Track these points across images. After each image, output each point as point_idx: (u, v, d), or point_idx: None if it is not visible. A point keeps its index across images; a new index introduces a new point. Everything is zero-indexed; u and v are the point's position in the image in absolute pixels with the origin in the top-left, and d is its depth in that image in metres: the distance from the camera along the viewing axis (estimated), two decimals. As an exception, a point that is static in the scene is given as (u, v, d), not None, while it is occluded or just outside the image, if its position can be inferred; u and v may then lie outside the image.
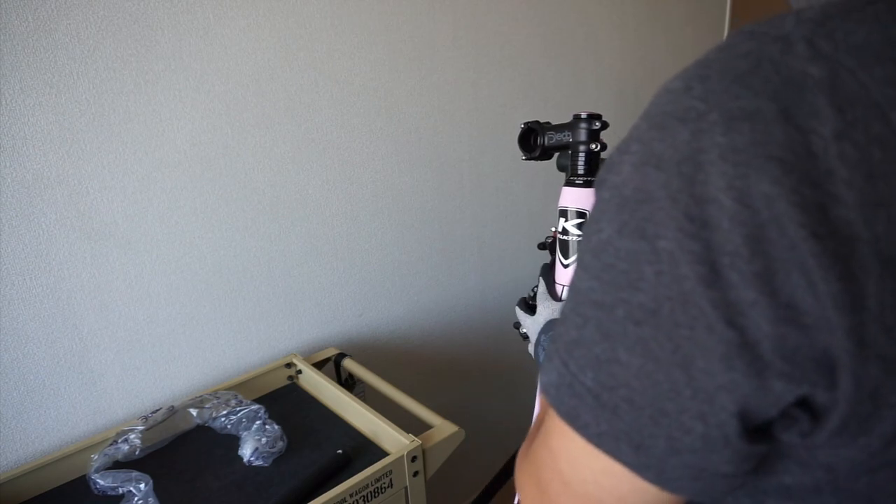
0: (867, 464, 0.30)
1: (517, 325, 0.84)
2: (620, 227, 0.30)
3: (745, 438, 0.29)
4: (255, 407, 1.02)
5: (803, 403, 0.29)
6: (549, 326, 0.69)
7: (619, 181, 0.30)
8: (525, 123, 0.77)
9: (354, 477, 0.86)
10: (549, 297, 0.73)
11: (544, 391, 0.34)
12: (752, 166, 0.26)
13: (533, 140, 0.78)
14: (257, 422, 0.99)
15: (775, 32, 0.28)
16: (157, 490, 0.86)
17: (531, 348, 0.73)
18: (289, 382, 1.20)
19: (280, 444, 0.97)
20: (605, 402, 0.30)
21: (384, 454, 0.95)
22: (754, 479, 0.33)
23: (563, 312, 0.34)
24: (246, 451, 0.95)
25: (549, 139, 0.73)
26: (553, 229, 0.76)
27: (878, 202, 0.26)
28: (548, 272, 0.75)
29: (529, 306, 0.76)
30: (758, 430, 0.30)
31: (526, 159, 0.77)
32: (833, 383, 0.27)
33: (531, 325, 0.73)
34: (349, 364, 1.21)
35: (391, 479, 0.90)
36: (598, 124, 0.70)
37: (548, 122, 0.75)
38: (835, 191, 0.26)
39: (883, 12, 0.27)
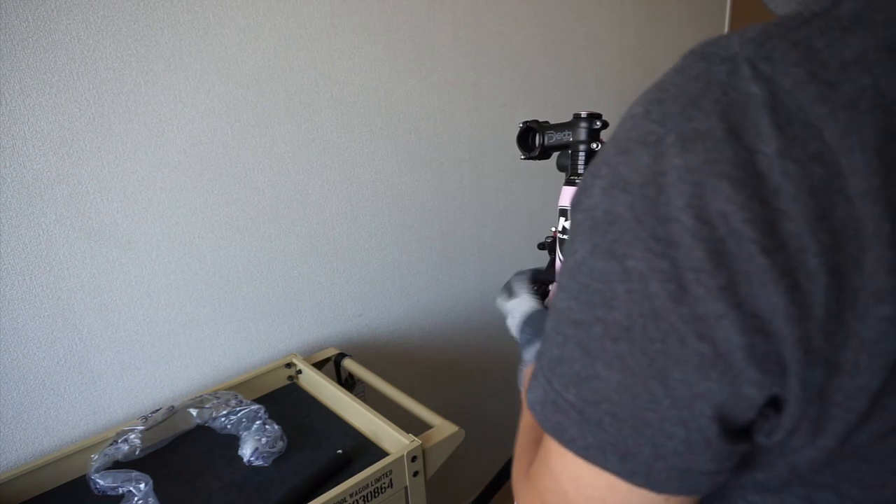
0: (827, 461, 0.31)
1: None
2: (592, 249, 0.31)
3: (725, 439, 0.30)
4: (255, 407, 1.02)
5: (773, 402, 0.30)
6: (531, 319, 0.71)
7: (591, 204, 0.32)
8: (524, 122, 0.77)
9: (354, 477, 0.86)
10: (529, 291, 0.75)
11: (531, 409, 0.35)
12: (707, 185, 0.28)
13: (531, 139, 0.78)
14: (257, 422, 0.99)
15: (723, 53, 0.30)
16: (157, 490, 0.86)
17: (513, 329, 0.75)
18: (289, 382, 1.20)
19: (280, 444, 0.97)
20: (588, 417, 0.32)
21: (384, 454, 0.95)
22: (734, 475, 0.34)
23: (545, 331, 0.35)
24: (246, 451, 0.95)
25: (549, 138, 0.73)
26: (553, 229, 0.76)
27: (822, 215, 0.27)
28: (539, 273, 0.75)
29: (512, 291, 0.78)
30: (738, 431, 0.31)
31: (525, 159, 0.77)
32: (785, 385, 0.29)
33: (513, 309, 0.73)
34: (349, 364, 1.21)
35: (391, 479, 0.90)
36: (598, 124, 0.70)
37: (546, 122, 0.75)
38: (782, 206, 0.27)
39: (815, 34, 0.29)
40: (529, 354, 0.68)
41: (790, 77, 0.28)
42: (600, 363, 0.31)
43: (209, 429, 1.03)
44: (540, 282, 0.81)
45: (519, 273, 0.78)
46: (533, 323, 0.71)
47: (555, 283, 0.74)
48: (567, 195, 0.72)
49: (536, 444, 0.52)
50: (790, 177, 0.27)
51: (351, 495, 0.85)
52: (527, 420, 0.57)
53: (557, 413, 0.33)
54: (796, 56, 0.28)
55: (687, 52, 0.33)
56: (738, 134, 0.27)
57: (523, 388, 0.66)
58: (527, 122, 0.76)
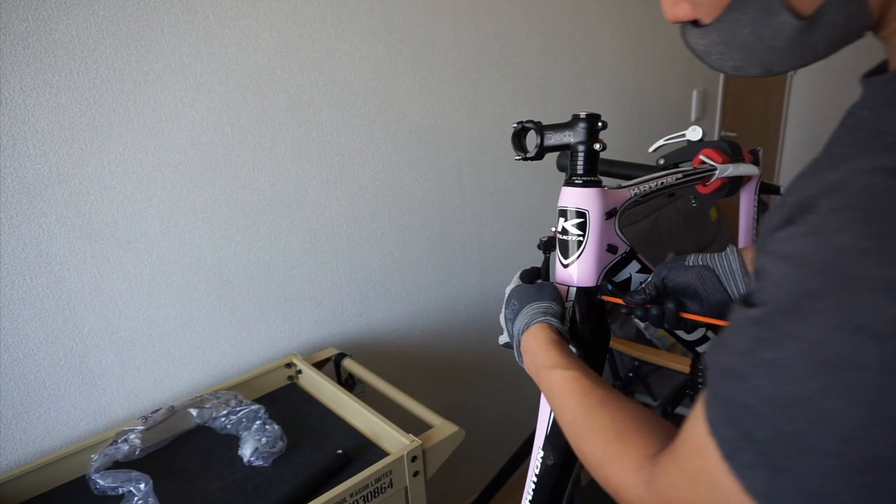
0: None
1: (508, 346, 0.85)
2: (827, 389, 0.30)
3: None
4: (255, 407, 1.02)
5: None
6: (515, 293, 0.73)
7: (814, 338, 0.30)
8: (518, 123, 0.76)
9: (354, 477, 0.86)
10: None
11: (751, 494, 0.33)
12: None
13: (523, 139, 0.78)
14: (257, 422, 0.99)
15: None
16: (157, 490, 0.86)
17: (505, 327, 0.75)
18: (289, 382, 1.20)
19: (280, 444, 0.97)
20: None
21: (384, 454, 0.95)
22: None
23: (754, 434, 0.33)
24: (246, 451, 0.95)
25: (547, 139, 0.73)
26: (553, 229, 0.76)
27: None
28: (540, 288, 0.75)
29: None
30: None
31: (519, 159, 0.77)
32: None
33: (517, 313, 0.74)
34: (349, 364, 1.21)
35: (391, 479, 0.90)
36: (597, 124, 0.70)
37: (539, 122, 0.75)
38: None
39: None
40: (518, 326, 0.69)
41: None
42: (848, 490, 0.30)
43: (209, 429, 1.03)
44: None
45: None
46: (517, 295, 0.72)
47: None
48: (567, 195, 0.72)
49: (603, 405, 0.52)
50: None
51: (351, 495, 0.85)
52: (572, 388, 0.56)
53: None
54: None
55: (866, 167, 0.31)
56: None
57: (527, 364, 0.66)
58: (522, 122, 0.76)
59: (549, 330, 0.65)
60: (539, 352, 0.63)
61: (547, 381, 0.61)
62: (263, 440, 0.96)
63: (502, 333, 0.78)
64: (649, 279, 0.74)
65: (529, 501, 0.77)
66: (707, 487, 0.36)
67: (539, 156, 0.75)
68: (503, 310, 0.75)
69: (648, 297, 0.72)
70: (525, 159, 0.76)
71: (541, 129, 0.74)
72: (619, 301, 0.73)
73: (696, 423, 0.38)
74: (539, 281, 0.76)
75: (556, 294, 0.71)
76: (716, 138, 1.79)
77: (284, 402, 1.13)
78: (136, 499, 0.84)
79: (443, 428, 0.99)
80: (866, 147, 0.34)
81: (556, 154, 0.82)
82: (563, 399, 0.57)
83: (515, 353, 0.70)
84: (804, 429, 0.31)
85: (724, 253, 0.73)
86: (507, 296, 0.75)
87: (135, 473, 0.88)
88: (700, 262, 0.73)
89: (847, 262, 0.30)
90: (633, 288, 0.80)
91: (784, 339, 0.32)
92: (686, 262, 0.74)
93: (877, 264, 0.29)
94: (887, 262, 0.29)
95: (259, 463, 0.95)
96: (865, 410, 0.29)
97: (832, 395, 0.30)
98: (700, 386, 0.96)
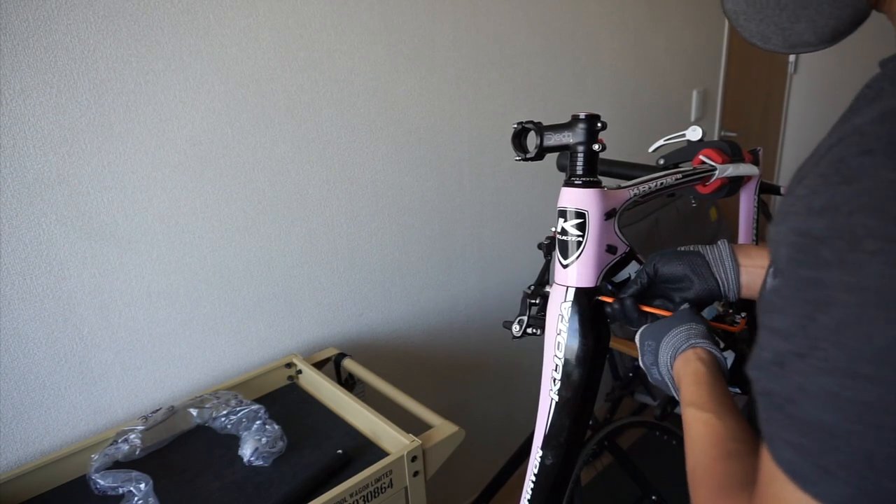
0: None
1: (507, 325, 0.84)
2: None
3: None
4: (255, 407, 1.02)
5: None
6: (646, 333, 0.69)
7: (876, 283, 0.29)
8: (519, 123, 0.76)
9: (354, 477, 0.86)
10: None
11: None
12: None
13: (524, 140, 0.78)
14: (257, 422, 0.99)
15: None
16: (157, 490, 0.86)
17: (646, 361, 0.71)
18: (289, 382, 1.20)
19: (280, 444, 0.97)
20: None
21: (384, 454, 0.95)
22: None
23: (827, 425, 0.31)
24: (246, 451, 0.95)
25: (547, 139, 0.73)
26: (553, 229, 0.76)
27: None
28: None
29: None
30: None
31: (519, 160, 0.77)
32: None
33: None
34: (349, 364, 1.21)
35: (391, 479, 0.90)
36: (597, 125, 0.70)
37: (539, 123, 0.75)
38: None
39: None
40: (664, 355, 0.65)
41: None
42: None
43: (209, 429, 1.03)
44: (540, 290, 0.81)
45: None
46: (649, 335, 0.69)
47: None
48: (566, 196, 0.72)
49: (722, 461, 0.48)
50: None
51: (351, 495, 0.85)
52: (701, 433, 0.53)
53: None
54: None
55: (887, 109, 0.30)
56: None
57: (682, 394, 0.60)
58: (522, 122, 0.76)
59: (696, 358, 0.60)
60: (686, 384, 0.59)
61: (684, 418, 0.56)
62: (263, 440, 0.96)
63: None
64: (641, 268, 0.74)
65: (528, 501, 0.77)
66: None
67: (539, 156, 0.75)
68: (640, 358, 0.71)
69: (642, 286, 0.72)
70: (525, 160, 0.76)
71: (540, 129, 0.74)
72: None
73: (763, 451, 0.35)
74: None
75: (690, 315, 0.67)
76: (716, 138, 1.79)
77: (284, 402, 1.13)
78: (136, 499, 0.84)
79: (443, 428, 0.99)
80: (883, 98, 0.34)
81: (556, 154, 0.82)
82: (689, 441, 0.54)
83: (672, 391, 0.66)
84: (892, 393, 0.29)
85: (714, 244, 0.73)
86: (638, 342, 0.71)
87: (135, 473, 0.88)
88: (691, 248, 0.73)
89: (892, 195, 0.29)
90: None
91: (845, 291, 0.30)
92: (678, 249, 0.74)
93: None
94: None
95: (259, 463, 0.95)
96: None
97: None
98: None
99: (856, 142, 0.31)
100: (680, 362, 0.62)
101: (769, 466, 0.34)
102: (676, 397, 0.63)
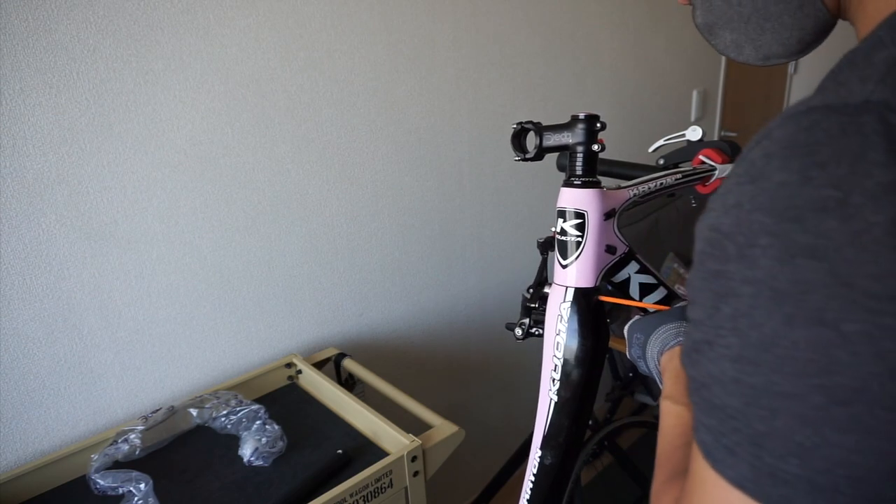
0: None
1: (510, 327, 0.84)
2: (788, 320, 0.31)
3: None
4: (255, 407, 1.02)
5: None
6: (635, 326, 0.72)
7: (762, 275, 0.31)
8: (518, 123, 0.76)
9: (354, 477, 0.86)
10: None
11: (738, 486, 0.33)
12: None
13: (524, 140, 0.78)
14: (257, 422, 1.00)
15: (853, 102, 0.30)
16: (157, 490, 0.86)
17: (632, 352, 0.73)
18: (289, 382, 1.20)
19: (280, 444, 0.97)
20: (822, 485, 0.31)
21: (384, 454, 0.95)
22: None
23: (728, 408, 0.33)
24: (246, 451, 0.95)
25: (546, 140, 0.73)
26: (553, 229, 0.76)
27: None
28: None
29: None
30: None
31: (518, 160, 0.77)
32: None
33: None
34: (349, 364, 1.21)
35: (391, 479, 0.90)
36: (596, 125, 0.70)
37: (539, 123, 0.75)
38: None
39: None
40: (652, 349, 0.67)
41: None
42: (829, 429, 0.30)
43: (209, 429, 1.03)
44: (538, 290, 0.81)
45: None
46: (638, 329, 0.71)
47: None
48: (566, 196, 0.72)
49: (682, 448, 0.51)
50: None
51: (351, 495, 0.85)
52: (671, 424, 0.56)
53: (781, 486, 0.32)
54: None
55: (798, 110, 0.33)
56: None
57: (671, 390, 0.62)
58: (521, 122, 0.76)
59: (677, 357, 0.63)
60: (664, 379, 0.62)
61: (660, 409, 0.59)
62: (263, 440, 0.96)
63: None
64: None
65: (527, 501, 0.77)
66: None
67: (538, 157, 0.75)
68: (628, 349, 0.73)
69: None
70: (524, 160, 0.76)
71: (540, 129, 0.74)
72: (618, 301, 0.73)
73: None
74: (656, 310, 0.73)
75: (682, 313, 0.68)
76: (716, 138, 1.79)
77: (284, 402, 1.13)
78: (136, 499, 0.84)
79: (443, 428, 0.99)
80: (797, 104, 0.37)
81: (555, 154, 0.82)
82: (662, 430, 0.56)
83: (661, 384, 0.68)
84: (775, 378, 0.31)
85: None
86: (626, 335, 0.73)
87: (135, 473, 0.88)
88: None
89: (783, 195, 0.31)
90: (630, 289, 0.80)
91: (742, 283, 0.32)
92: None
93: (808, 189, 0.30)
94: (818, 185, 0.30)
95: (259, 463, 0.95)
96: (826, 333, 0.29)
97: (797, 325, 0.30)
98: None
99: (763, 144, 0.34)
100: (666, 357, 0.64)
101: (694, 447, 0.37)
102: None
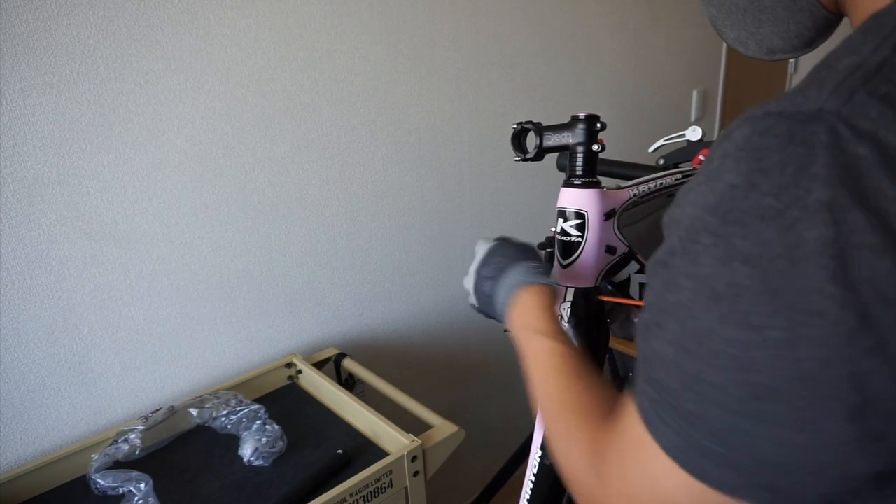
0: None
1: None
2: (721, 318, 0.32)
3: (874, 476, 0.32)
4: (255, 407, 1.02)
5: None
6: (487, 259, 0.72)
7: (704, 273, 0.33)
8: (518, 123, 0.77)
9: (354, 477, 0.86)
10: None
11: (670, 455, 0.36)
12: (849, 256, 0.28)
13: (524, 140, 0.78)
14: (257, 422, 1.00)
15: (806, 110, 0.30)
16: (157, 490, 0.86)
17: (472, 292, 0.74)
18: (289, 382, 1.20)
19: (280, 444, 0.97)
20: (740, 466, 0.33)
21: (384, 454, 0.95)
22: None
23: (666, 385, 0.36)
24: (246, 451, 0.95)
25: (546, 140, 0.73)
26: (553, 229, 0.77)
27: None
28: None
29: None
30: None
31: (518, 160, 0.77)
32: None
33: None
34: (349, 364, 1.21)
35: (391, 479, 0.90)
36: (596, 125, 0.70)
37: (538, 123, 0.75)
38: None
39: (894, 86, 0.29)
40: (503, 288, 0.67)
41: (892, 131, 0.28)
42: (745, 420, 0.32)
43: (209, 429, 1.03)
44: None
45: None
46: (497, 255, 0.70)
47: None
48: (566, 196, 0.72)
49: (571, 388, 0.53)
50: None
51: (351, 495, 0.85)
52: (553, 363, 0.56)
53: (706, 461, 0.34)
54: (893, 113, 0.28)
55: (756, 113, 0.33)
56: (864, 198, 0.28)
57: (515, 321, 0.64)
58: (521, 123, 0.76)
59: (548, 295, 0.64)
60: (535, 313, 0.62)
61: (531, 345, 0.60)
62: (263, 440, 0.96)
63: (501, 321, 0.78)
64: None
65: (527, 501, 0.77)
66: (638, 464, 0.38)
67: (538, 157, 0.75)
68: (475, 267, 0.72)
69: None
70: (524, 160, 0.76)
71: (540, 130, 0.74)
72: (618, 301, 0.73)
73: (630, 392, 0.40)
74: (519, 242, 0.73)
75: (540, 256, 0.70)
76: (716, 138, 1.79)
77: (284, 402, 1.13)
78: (136, 499, 0.84)
79: (443, 428, 0.99)
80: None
81: (555, 154, 0.82)
82: (541, 370, 0.57)
83: (495, 308, 0.68)
84: (705, 368, 0.33)
85: None
86: (485, 253, 0.73)
87: (135, 473, 0.88)
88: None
89: (729, 197, 0.32)
90: (630, 288, 0.80)
91: (685, 276, 0.34)
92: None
93: (753, 195, 0.31)
94: (761, 192, 0.31)
95: (259, 463, 0.95)
96: (752, 335, 0.31)
97: (728, 324, 0.31)
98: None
99: (724, 145, 0.35)
100: (533, 290, 0.65)
101: (631, 406, 0.40)
102: (497, 318, 0.67)
